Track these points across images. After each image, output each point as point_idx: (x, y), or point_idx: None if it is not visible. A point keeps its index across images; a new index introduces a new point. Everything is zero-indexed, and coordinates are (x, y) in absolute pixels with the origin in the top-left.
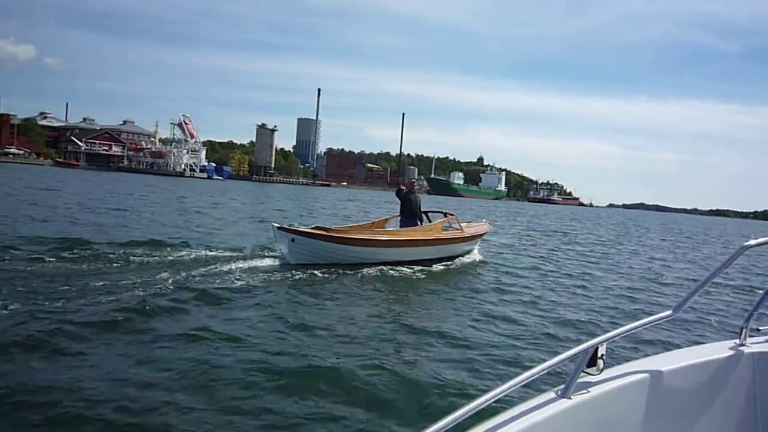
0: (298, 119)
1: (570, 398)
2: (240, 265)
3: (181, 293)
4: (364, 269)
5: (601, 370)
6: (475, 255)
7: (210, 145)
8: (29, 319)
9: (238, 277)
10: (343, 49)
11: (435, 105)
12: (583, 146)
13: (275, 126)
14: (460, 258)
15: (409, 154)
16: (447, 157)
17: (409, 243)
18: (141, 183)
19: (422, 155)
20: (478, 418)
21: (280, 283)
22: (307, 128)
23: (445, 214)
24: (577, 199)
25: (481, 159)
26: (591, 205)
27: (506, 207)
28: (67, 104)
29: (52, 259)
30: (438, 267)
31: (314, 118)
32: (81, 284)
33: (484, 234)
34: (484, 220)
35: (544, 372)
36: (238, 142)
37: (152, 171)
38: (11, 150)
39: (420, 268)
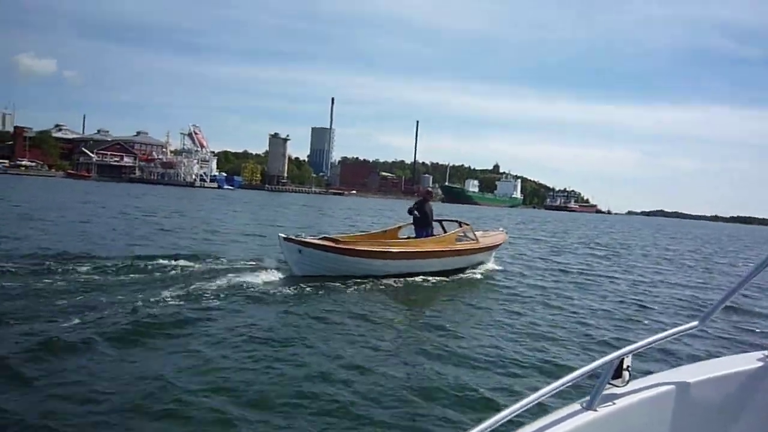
0: (312, 128)
1: (596, 410)
2: (244, 279)
3: (184, 307)
4: (374, 282)
5: (627, 382)
6: (491, 266)
7: (224, 156)
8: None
9: (242, 291)
10: (358, 58)
11: (450, 113)
12: (601, 153)
13: (287, 135)
14: (475, 269)
15: (423, 162)
16: (462, 165)
17: (421, 255)
18: (128, 193)
19: (437, 163)
20: (502, 431)
21: (286, 297)
22: (321, 137)
23: (460, 224)
24: (594, 206)
25: (496, 167)
26: (609, 212)
27: (521, 215)
28: (84, 116)
29: None
30: (452, 279)
31: (328, 127)
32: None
33: (501, 244)
34: (501, 229)
35: (569, 384)
36: (254, 152)
37: (163, 181)
38: (23, 162)
39: (433, 280)
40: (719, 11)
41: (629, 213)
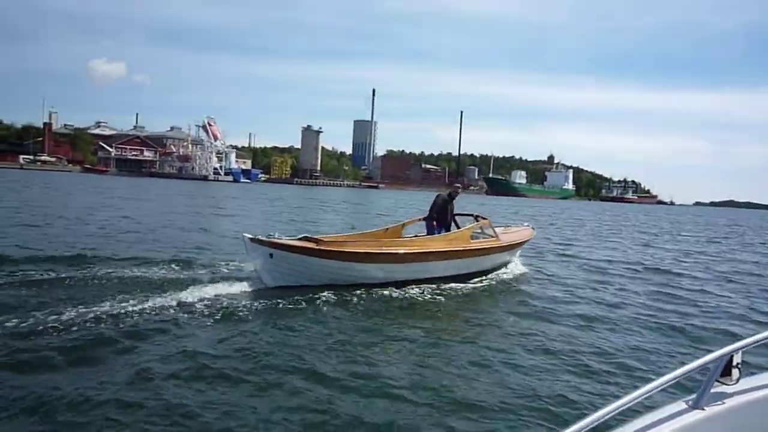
0: (354, 121)
1: (703, 409)
2: (199, 292)
3: (106, 333)
4: (368, 291)
5: (737, 381)
6: (515, 267)
7: (263, 151)
8: None
9: (194, 308)
10: (413, 53)
11: (506, 104)
12: (666, 142)
13: (320, 127)
14: (497, 272)
15: (472, 154)
16: (513, 156)
17: (427, 256)
18: (127, 185)
19: (486, 155)
20: (603, 429)
21: (252, 315)
22: (363, 130)
23: (477, 218)
24: (655, 197)
25: (551, 157)
26: (672, 203)
27: (568, 207)
28: (137, 115)
29: None
30: (468, 285)
31: (370, 119)
32: None
33: (527, 241)
34: (527, 224)
35: (673, 381)
36: (298, 147)
37: (180, 175)
38: (42, 157)
39: (444, 287)
40: None
41: (697, 204)
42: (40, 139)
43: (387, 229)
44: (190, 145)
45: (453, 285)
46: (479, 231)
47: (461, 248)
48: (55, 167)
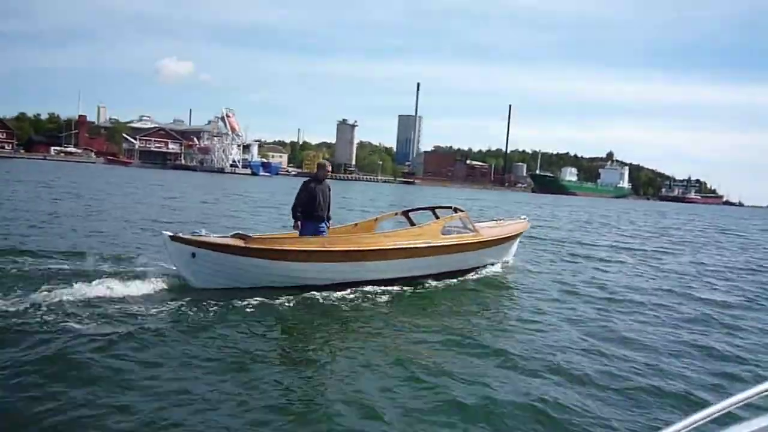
0: (399, 116)
1: None
2: (108, 290)
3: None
4: (311, 294)
5: None
6: (504, 266)
7: (301, 146)
8: None
9: (101, 311)
10: (467, 48)
11: (565, 100)
12: (740, 138)
13: (355, 121)
14: (478, 272)
15: (524, 150)
16: (567, 153)
17: (379, 254)
18: (117, 175)
19: (537, 151)
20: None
21: (168, 322)
22: (407, 125)
23: (456, 210)
24: (721, 197)
25: (610, 154)
26: (740, 204)
27: (613, 205)
28: (190, 111)
29: None
30: (438, 285)
31: (414, 114)
32: None
33: (517, 236)
34: (523, 217)
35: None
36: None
37: (200, 167)
38: (68, 149)
39: (406, 289)
40: None
41: None
42: (77, 131)
43: (356, 224)
44: (214, 138)
45: (419, 286)
46: (459, 225)
47: (425, 245)
48: (80, 159)
